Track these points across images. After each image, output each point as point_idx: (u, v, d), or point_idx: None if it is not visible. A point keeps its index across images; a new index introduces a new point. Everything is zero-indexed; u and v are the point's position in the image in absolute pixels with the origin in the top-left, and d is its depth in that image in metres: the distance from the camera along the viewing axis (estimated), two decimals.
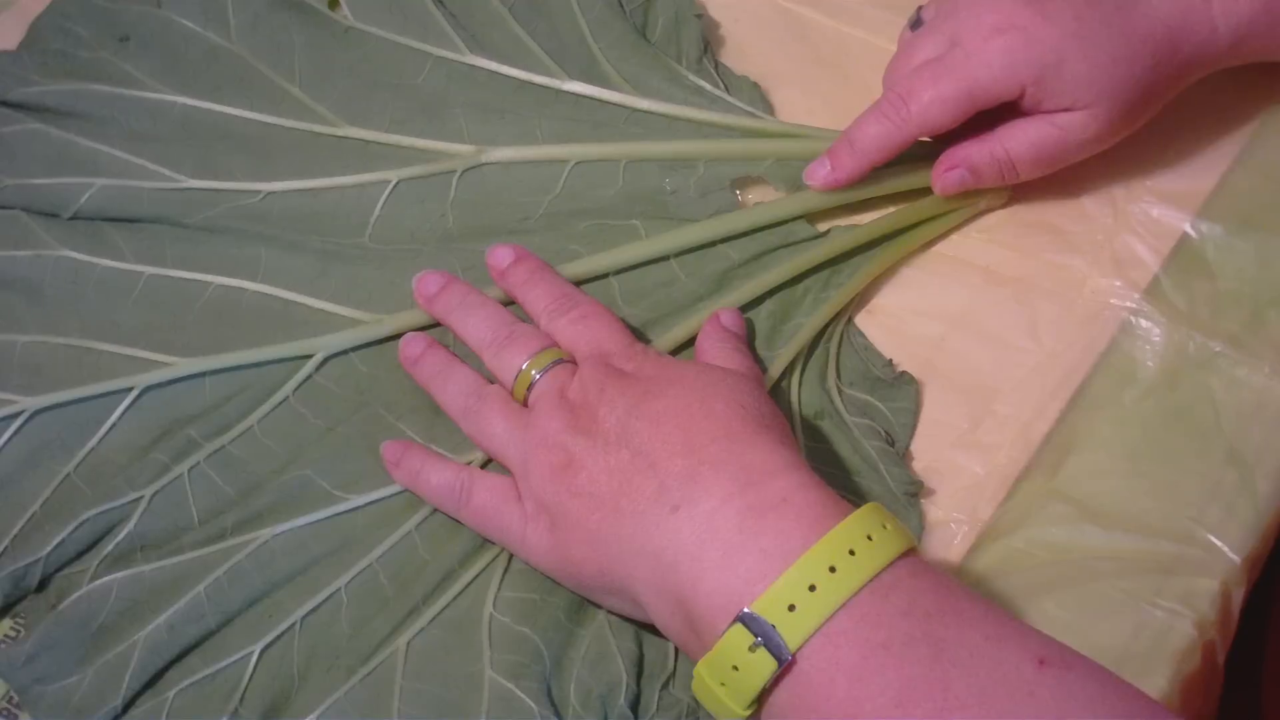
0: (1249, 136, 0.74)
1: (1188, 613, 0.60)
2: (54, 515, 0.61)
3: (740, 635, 0.48)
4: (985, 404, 0.66)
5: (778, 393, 0.65)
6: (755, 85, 0.75)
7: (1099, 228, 0.71)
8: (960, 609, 0.49)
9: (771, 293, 0.68)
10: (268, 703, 0.57)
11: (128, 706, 0.57)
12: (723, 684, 0.50)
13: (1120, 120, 0.68)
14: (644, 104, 0.72)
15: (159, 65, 0.73)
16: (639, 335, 0.65)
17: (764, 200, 0.71)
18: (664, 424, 0.55)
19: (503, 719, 0.56)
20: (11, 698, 0.59)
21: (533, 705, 0.56)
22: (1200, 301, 0.68)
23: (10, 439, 0.63)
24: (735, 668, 0.49)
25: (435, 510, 0.61)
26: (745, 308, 0.67)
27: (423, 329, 0.65)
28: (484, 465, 0.62)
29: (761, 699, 0.49)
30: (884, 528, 0.50)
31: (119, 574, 0.60)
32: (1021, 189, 0.72)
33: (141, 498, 0.62)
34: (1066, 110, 0.67)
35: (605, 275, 0.68)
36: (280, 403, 0.64)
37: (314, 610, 0.59)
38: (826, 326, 0.68)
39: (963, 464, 0.65)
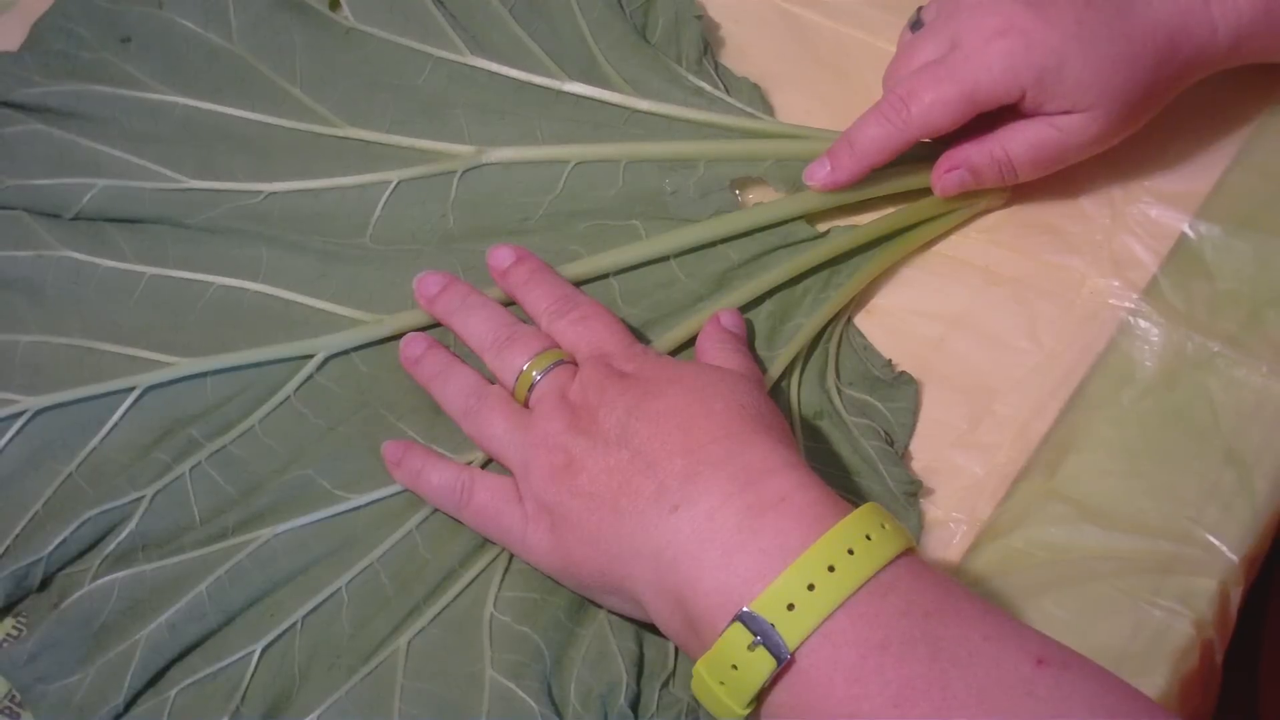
0: (1247, 137, 0.74)
1: (1186, 612, 0.60)
2: (56, 515, 0.62)
3: (739, 634, 0.49)
4: (984, 404, 0.66)
5: (777, 393, 0.65)
6: (755, 86, 0.75)
7: (1098, 228, 0.71)
8: (959, 608, 0.49)
9: (771, 293, 0.68)
10: (269, 702, 0.57)
11: (129, 705, 0.57)
12: (722, 683, 0.50)
13: (1120, 122, 0.68)
14: (644, 105, 0.72)
15: (160, 66, 0.73)
16: (639, 336, 0.65)
17: (764, 201, 0.71)
18: (663, 424, 0.55)
19: (503, 718, 0.56)
20: (14, 696, 0.59)
21: (533, 704, 0.56)
22: (1198, 302, 0.68)
23: (12, 438, 0.63)
24: (734, 666, 0.49)
25: (436, 510, 0.61)
26: (745, 308, 0.67)
27: (423, 329, 0.66)
28: (484, 465, 0.62)
29: (760, 698, 0.49)
30: (883, 527, 0.50)
31: (120, 573, 0.60)
32: (1020, 190, 0.72)
33: (143, 497, 0.62)
34: (1067, 113, 0.67)
35: (605, 276, 0.68)
36: (281, 403, 0.64)
37: (315, 609, 0.59)
38: (826, 327, 0.68)
39: (962, 464, 0.65)
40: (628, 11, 0.76)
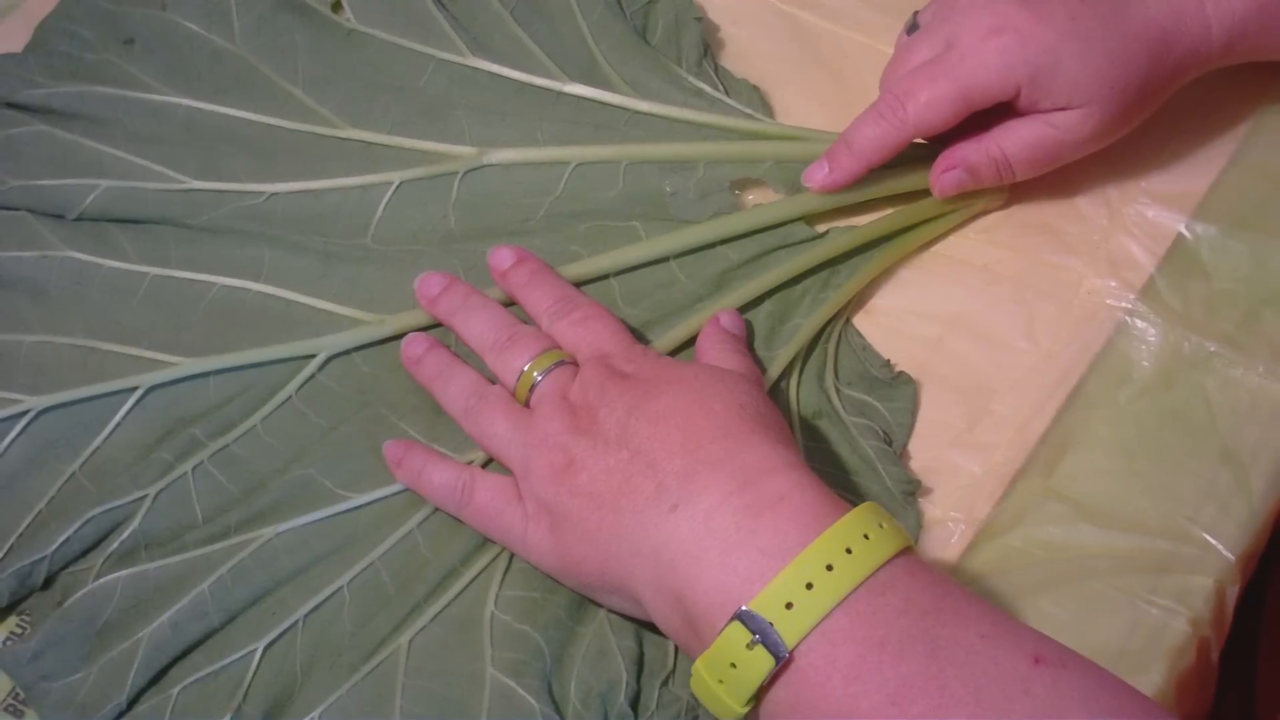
0: (1243, 138, 0.74)
1: (1183, 610, 0.60)
2: (59, 513, 0.62)
3: (738, 633, 0.49)
4: (982, 404, 0.67)
5: (776, 393, 0.66)
6: (754, 88, 0.76)
7: (1095, 229, 0.71)
8: (956, 607, 0.49)
9: (770, 293, 0.68)
10: (271, 700, 0.57)
11: (132, 703, 0.57)
12: (721, 681, 0.50)
13: (1116, 120, 0.68)
14: (644, 106, 0.72)
15: (163, 67, 0.73)
16: (639, 336, 0.65)
17: (763, 202, 0.71)
18: (663, 424, 0.55)
19: (504, 716, 0.56)
20: (17, 694, 0.59)
21: (534, 703, 0.56)
22: (1195, 302, 0.69)
23: (16, 438, 0.63)
24: (733, 665, 0.49)
25: (437, 509, 0.62)
26: (744, 308, 0.67)
27: (425, 329, 0.66)
28: (485, 465, 0.62)
29: (759, 696, 0.50)
30: (881, 526, 0.50)
31: (123, 572, 0.60)
32: (1018, 190, 0.72)
33: (146, 496, 0.62)
34: (1062, 110, 0.67)
35: (605, 276, 0.68)
36: (283, 402, 0.64)
37: (317, 608, 0.59)
38: (825, 327, 0.68)
39: (960, 463, 0.65)
40: (628, 13, 0.76)
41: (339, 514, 0.62)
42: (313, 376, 0.65)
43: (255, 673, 0.58)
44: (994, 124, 0.69)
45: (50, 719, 0.57)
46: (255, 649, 0.58)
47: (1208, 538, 0.62)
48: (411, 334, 0.65)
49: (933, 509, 0.64)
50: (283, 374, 0.65)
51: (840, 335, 0.68)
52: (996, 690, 0.46)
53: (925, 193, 0.71)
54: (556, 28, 0.75)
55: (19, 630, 0.61)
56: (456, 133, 0.72)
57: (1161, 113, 0.70)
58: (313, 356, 0.65)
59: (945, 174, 0.70)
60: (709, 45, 0.77)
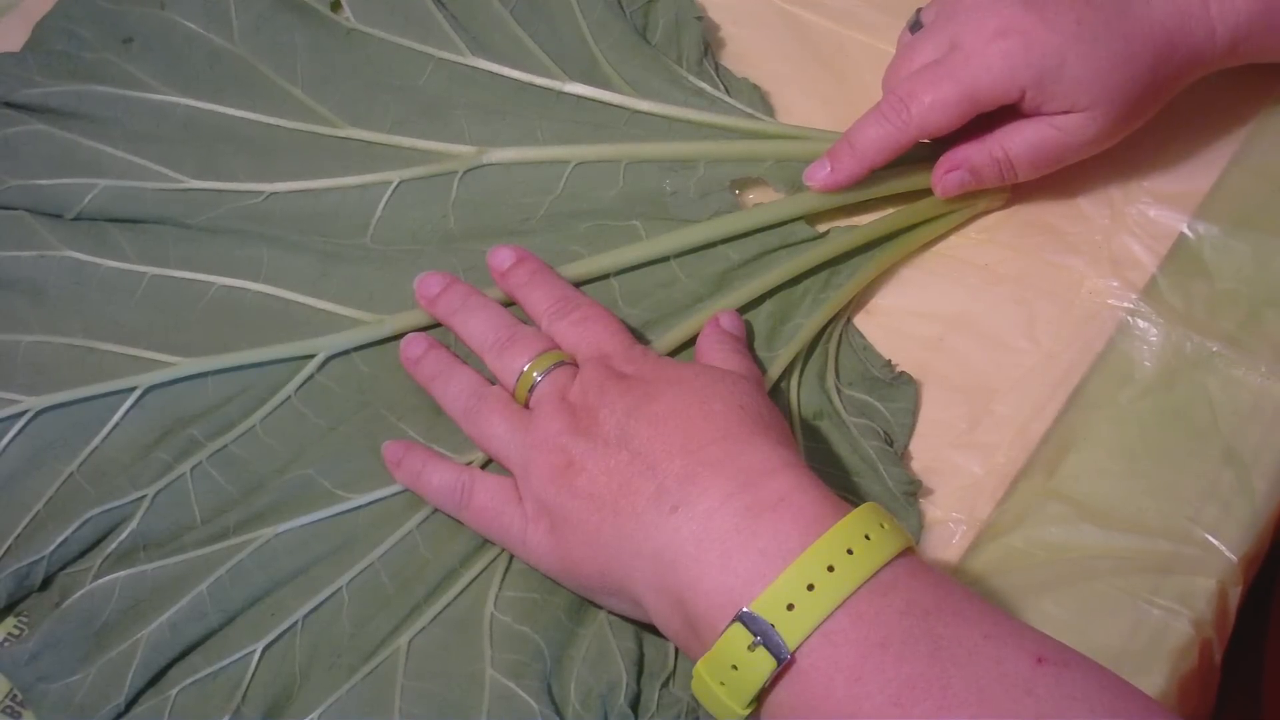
0: (1245, 138, 0.74)
1: (1185, 611, 0.60)
2: (57, 514, 0.62)
3: (739, 634, 0.49)
4: (983, 404, 0.66)
5: (777, 393, 0.65)
6: (755, 87, 0.76)
7: (1097, 228, 0.71)
8: (958, 608, 0.49)
9: (771, 293, 0.68)
10: (270, 701, 0.57)
11: (130, 705, 0.57)
12: (722, 683, 0.50)
13: (1120, 122, 0.68)
14: (644, 106, 0.72)
15: (162, 67, 0.73)
16: (639, 336, 0.65)
17: (764, 201, 0.71)
18: (663, 425, 0.55)
19: (504, 718, 0.56)
20: (15, 696, 0.59)
21: (533, 704, 0.56)
22: (1197, 301, 0.68)
23: (14, 438, 0.63)
24: (734, 667, 0.49)
25: (436, 510, 0.61)
26: (745, 308, 0.67)
27: (424, 329, 0.66)
28: (485, 465, 0.62)
29: (761, 698, 0.49)
30: (882, 527, 0.50)
31: (122, 573, 0.60)
32: (1019, 190, 0.72)
33: (144, 497, 0.62)
34: (1066, 112, 0.67)
35: (606, 276, 0.68)
36: (282, 402, 0.64)
37: (316, 609, 0.59)
38: (826, 327, 0.68)
39: (961, 464, 0.65)
40: (628, 13, 0.76)
41: (338, 515, 0.62)
42: (312, 377, 0.65)
43: (254, 674, 0.58)
44: (997, 125, 0.69)
45: None
46: (254, 650, 0.58)
47: (1210, 538, 0.62)
48: (411, 334, 0.65)
49: (934, 509, 0.63)
50: (282, 374, 0.65)
51: (841, 335, 0.68)
52: (999, 690, 0.46)
53: (927, 192, 0.71)
54: (556, 27, 0.75)
55: (17, 631, 0.60)
56: (456, 132, 0.72)
57: (1164, 112, 0.70)
58: (312, 356, 0.65)
59: (948, 175, 0.70)
60: (709, 44, 0.77)
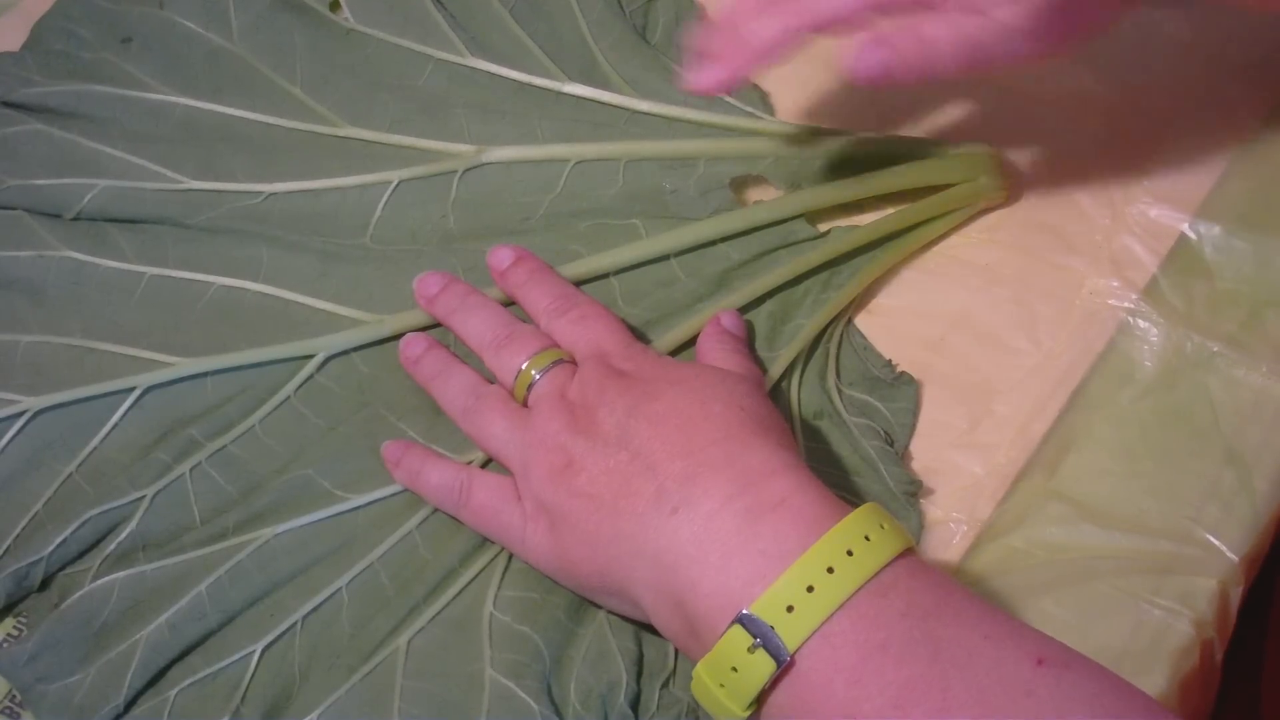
0: (1247, 137, 0.74)
1: (1186, 612, 0.60)
2: (56, 515, 0.62)
3: (739, 636, 0.49)
4: (984, 404, 0.66)
5: (778, 393, 0.65)
6: (755, 86, 0.75)
7: (1097, 228, 0.71)
8: (959, 609, 0.49)
9: (771, 293, 0.68)
10: (269, 702, 0.57)
11: (129, 705, 0.57)
12: (722, 685, 0.50)
13: (1047, 12, 0.61)
14: (644, 105, 0.72)
15: (161, 66, 0.73)
16: (639, 335, 0.65)
17: (764, 199, 0.71)
18: (663, 426, 0.55)
19: (503, 718, 0.56)
20: (14, 696, 0.59)
21: (533, 704, 0.56)
22: (1198, 302, 0.68)
23: (13, 439, 0.63)
24: (734, 669, 0.49)
25: (436, 510, 0.61)
26: (745, 308, 0.67)
27: (423, 329, 0.66)
28: (485, 465, 0.62)
29: (761, 700, 0.49)
30: (882, 528, 0.50)
31: (121, 573, 0.60)
32: (1020, 190, 0.72)
33: (143, 497, 0.62)
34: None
35: (606, 275, 0.68)
36: (282, 403, 0.64)
37: (315, 609, 0.59)
38: (826, 327, 0.68)
39: (962, 464, 0.65)
40: (628, 12, 0.76)
41: (338, 515, 0.62)
42: (311, 377, 0.65)
43: (253, 674, 0.58)
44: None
45: None
46: (253, 650, 0.58)
47: (1211, 539, 0.62)
48: (410, 334, 0.65)
49: (934, 510, 0.63)
50: (281, 374, 0.65)
51: (842, 335, 0.68)
52: (999, 692, 0.46)
53: (927, 191, 0.71)
54: (556, 27, 0.75)
55: (16, 632, 0.60)
56: (456, 131, 0.71)
57: (1165, 112, 0.70)
58: (311, 357, 0.65)
59: (864, 53, 0.62)
60: None
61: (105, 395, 0.64)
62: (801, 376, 0.66)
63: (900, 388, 0.67)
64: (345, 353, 0.66)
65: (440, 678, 0.58)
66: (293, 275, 0.67)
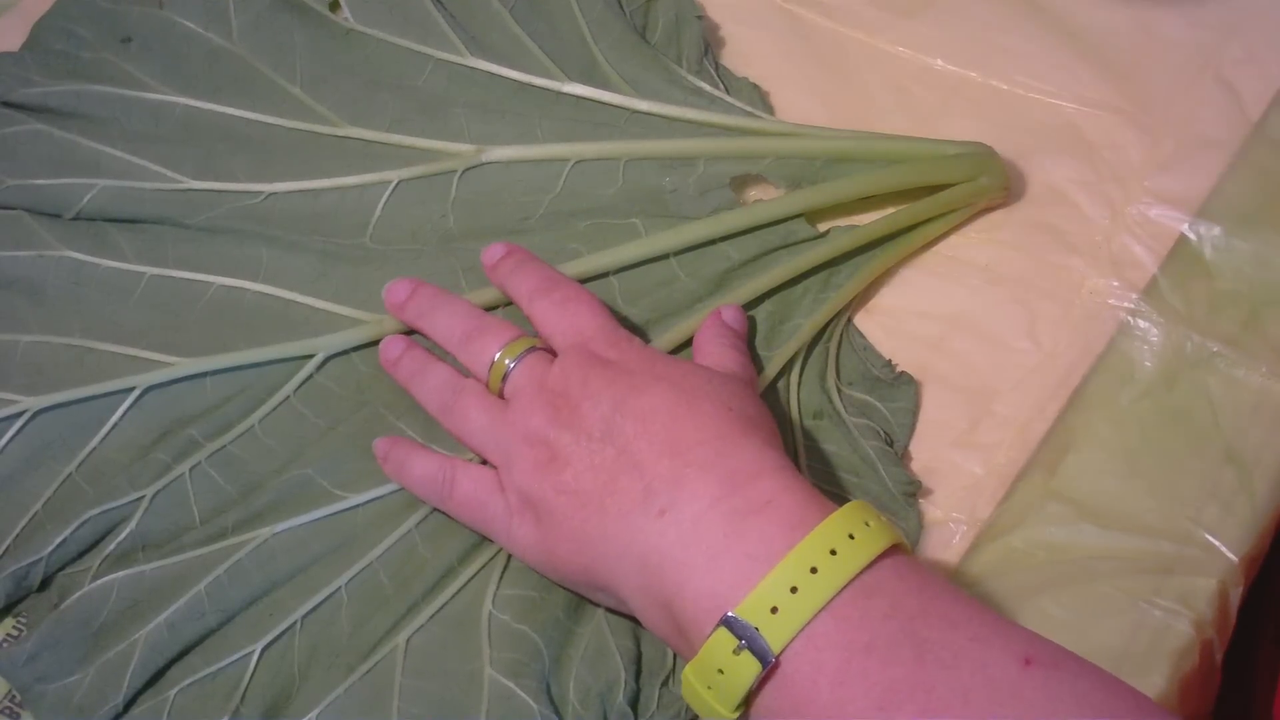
0: (1247, 137, 0.74)
1: (1186, 612, 0.60)
2: (56, 515, 0.62)
3: (725, 638, 0.48)
4: (984, 404, 0.66)
5: (776, 392, 0.65)
6: (755, 86, 0.75)
7: (1097, 229, 0.71)
8: (945, 609, 0.48)
9: (771, 293, 0.68)
10: (269, 701, 0.57)
11: (129, 705, 0.57)
12: (709, 687, 0.50)
13: None
14: (644, 105, 0.72)
15: (161, 66, 0.73)
16: (638, 333, 0.65)
17: (763, 199, 0.71)
18: (650, 423, 0.54)
19: (502, 717, 0.56)
20: (14, 697, 0.59)
21: (532, 703, 0.56)
22: (1198, 302, 0.68)
23: (12, 439, 0.63)
24: (721, 671, 0.49)
25: (435, 509, 0.61)
26: (745, 307, 0.67)
27: (413, 331, 0.66)
28: (483, 461, 0.62)
29: (748, 701, 0.49)
30: (866, 525, 0.50)
31: (120, 573, 0.60)
32: (1019, 189, 0.72)
33: (143, 497, 0.62)
34: None
35: (605, 274, 0.68)
36: (281, 402, 0.64)
37: (315, 609, 0.59)
38: (826, 326, 0.68)
39: (961, 464, 0.65)
40: (628, 12, 0.76)
41: (337, 514, 0.62)
42: (311, 376, 0.65)
43: (253, 674, 0.58)
44: None
45: None
46: (253, 650, 0.58)
47: (1211, 539, 0.62)
48: (389, 336, 0.65)
49: (934, 510, 0.63)
50: (281, 374, 0.65)
51: (841, 335, 0.68)
52: (985, 693, 0.46)
53: (928, 191, 0.71)
54: (555, 27, 0.75)
55: (15, 632, 0.61)
56: (455, 130, 0.71)
57: (1165, 112, 0.69)
58: (311, 356, 0.65)
59: None
60: (709, 43, 0.77)
61: (105, 395, 0.64)
62: (801, 376, 0.66)
63: (900, 387, 0.66)
64: (345, 352, 0.66)
65: (439, 676, 0.58)
66: (292, 275, 0.67)
